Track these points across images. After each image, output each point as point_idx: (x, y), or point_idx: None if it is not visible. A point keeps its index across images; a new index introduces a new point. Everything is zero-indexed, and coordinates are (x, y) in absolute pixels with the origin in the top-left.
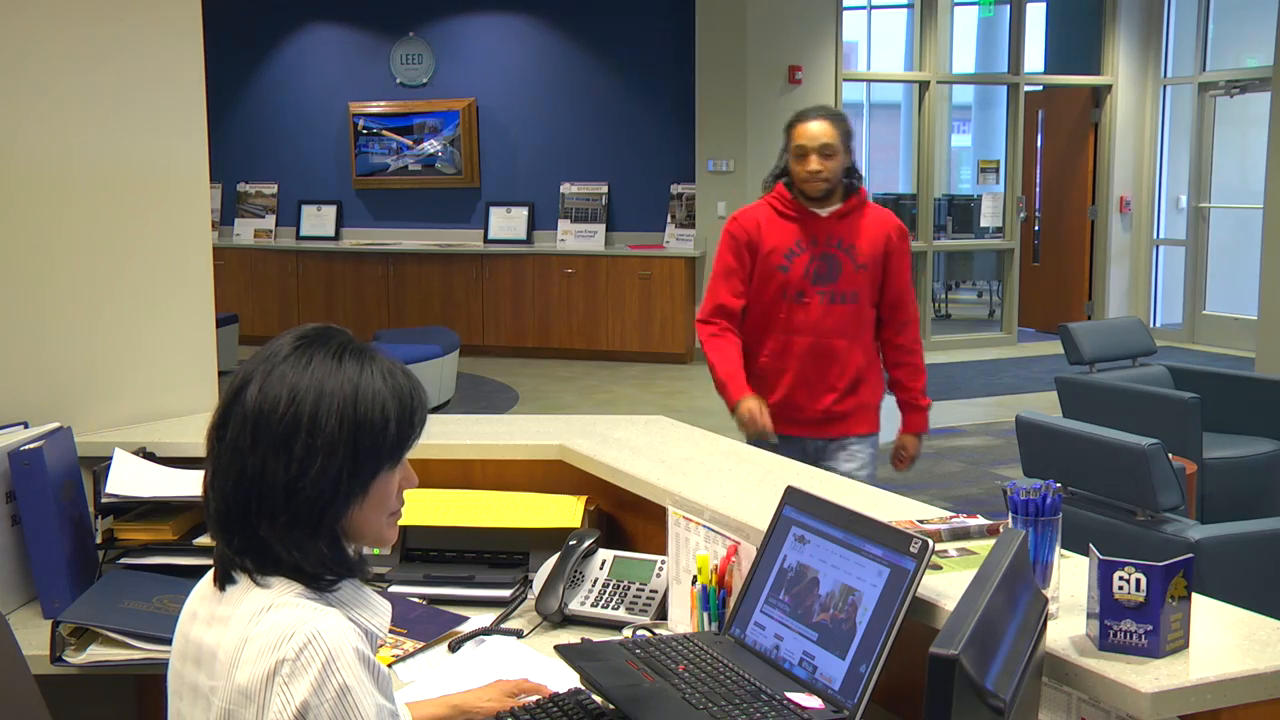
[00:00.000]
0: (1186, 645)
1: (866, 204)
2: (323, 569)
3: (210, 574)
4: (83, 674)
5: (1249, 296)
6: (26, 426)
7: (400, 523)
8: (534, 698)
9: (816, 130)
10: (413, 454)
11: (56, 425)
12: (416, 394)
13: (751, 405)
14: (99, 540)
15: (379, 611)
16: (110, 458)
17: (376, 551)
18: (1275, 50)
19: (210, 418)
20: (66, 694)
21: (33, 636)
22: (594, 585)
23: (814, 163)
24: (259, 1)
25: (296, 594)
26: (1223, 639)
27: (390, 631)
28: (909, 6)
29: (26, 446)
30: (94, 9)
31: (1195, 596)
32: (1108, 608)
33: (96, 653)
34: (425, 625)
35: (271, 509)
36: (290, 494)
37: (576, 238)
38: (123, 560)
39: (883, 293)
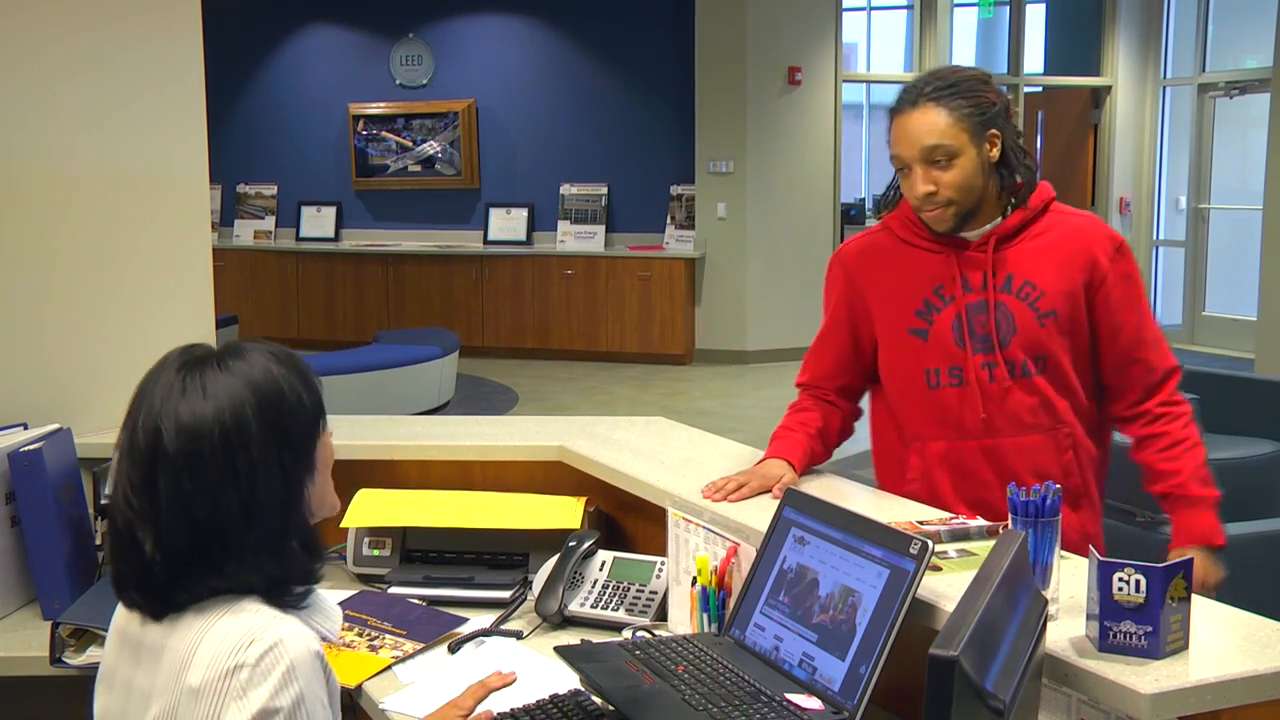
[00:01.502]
0: (1186, 646)
1: (1050, 210)
2: (297, 575)
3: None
4: (82, 675)
5: (1249, 297)
6: (26, 427)
7: (400, 524)
8: (534, 699)
9: (917, 128)
10: (413, 455)
11: (56, 426)
12: (299, 359)
13: (769, 471)
14: (99, 541)
15: (331, 616)
16: (110, 459)
17: (377, 552)
18: (1275, 51)
19: (123, 483)
20: (65, 695)
21: (32, 637)
22: (594, 586)
23: (920, 182)
24: (259, 3)
25: (255, 600)
26: (1222, 640)
27: (389, 633)
28: (909, 8)
29: (26, 447)
30: (94, 11)
31: (1195, 598)
32: (1107, 609)
33: (96, 654)
34: (425, 626)
35: (238, 537)
36: (250, 510)
37: (576, 239)
38: None
39: (1099, 347)
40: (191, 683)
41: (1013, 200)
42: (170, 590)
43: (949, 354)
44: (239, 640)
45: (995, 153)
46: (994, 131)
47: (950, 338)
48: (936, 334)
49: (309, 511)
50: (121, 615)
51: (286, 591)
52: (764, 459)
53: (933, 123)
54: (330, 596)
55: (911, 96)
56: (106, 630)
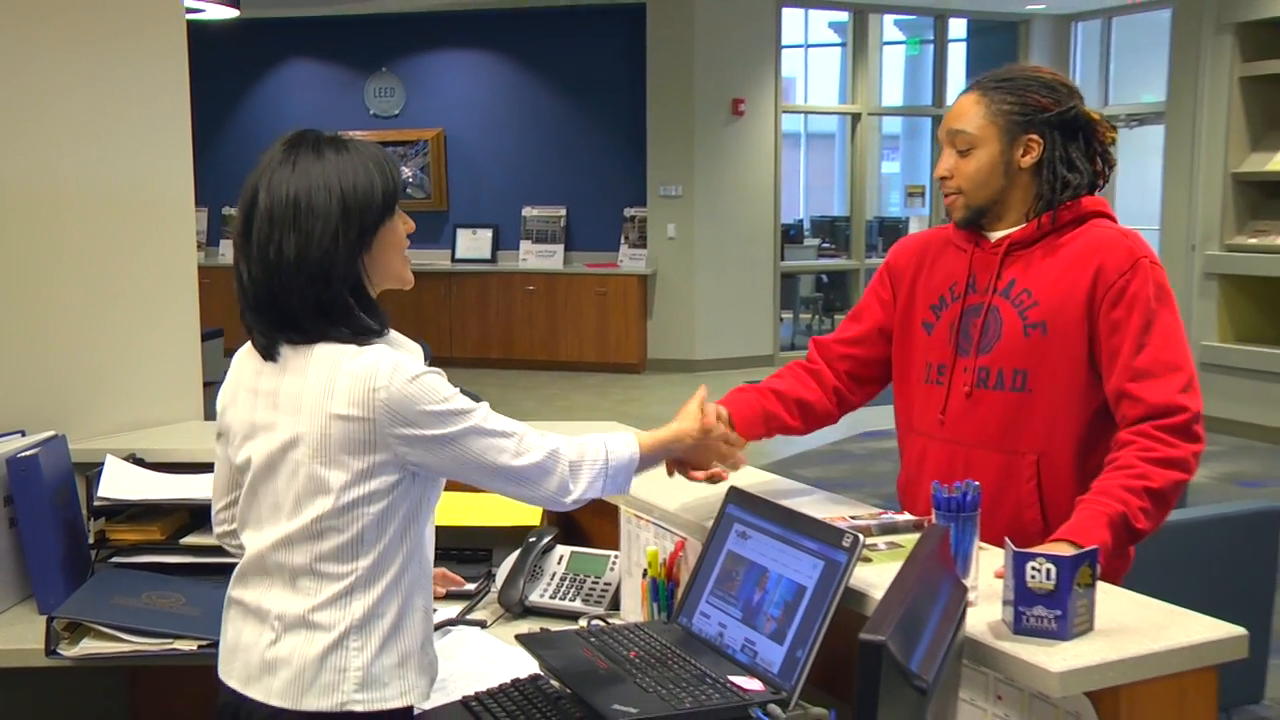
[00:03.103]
0: (1092, 628)
1: (1088, 224)
2: (349, 320)
3: (242, 357)
4: (76, 666)
5: None
6: (24, 435)
7: None
8: (497, 684)
9: (956, 109)
10: None
11: (52, 433)
12: (390, 161)
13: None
14: (91, 541)
15: (417, 354)
16: (102, 463)
17: None
18: (1168, 87)
19: (234, 228)
20: (60, 685)
21: (29, 631)
22: (552, 579)
23: (941, 162)
24: (243, 38)
25: (351, 346)
26: (1123, 622)
27: None
28: (842, 45)
29: (24, 453)
30: (81, 35)
31: (1100, 584)
32: (1021, 595)
33: (89, 646)
34: None
35: (295, 279)
36: (302, 259)
37: (537, 257)
38: (114, 559)
39: (1101, 374)
40: (336, 410)
41: (1041, 208)
42: (257, 312)
43: (942, 351)
44: (366, 371)
45: (1028, 159)
46: (1033, 136)
47: (946, 335)
48: (939, 330)
49: (365, 276)
50: (234, 377)
51: (351, 334)
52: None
53: (966, 109)
54: (410, 343)
55: (974, 81)
56: (99, 624)
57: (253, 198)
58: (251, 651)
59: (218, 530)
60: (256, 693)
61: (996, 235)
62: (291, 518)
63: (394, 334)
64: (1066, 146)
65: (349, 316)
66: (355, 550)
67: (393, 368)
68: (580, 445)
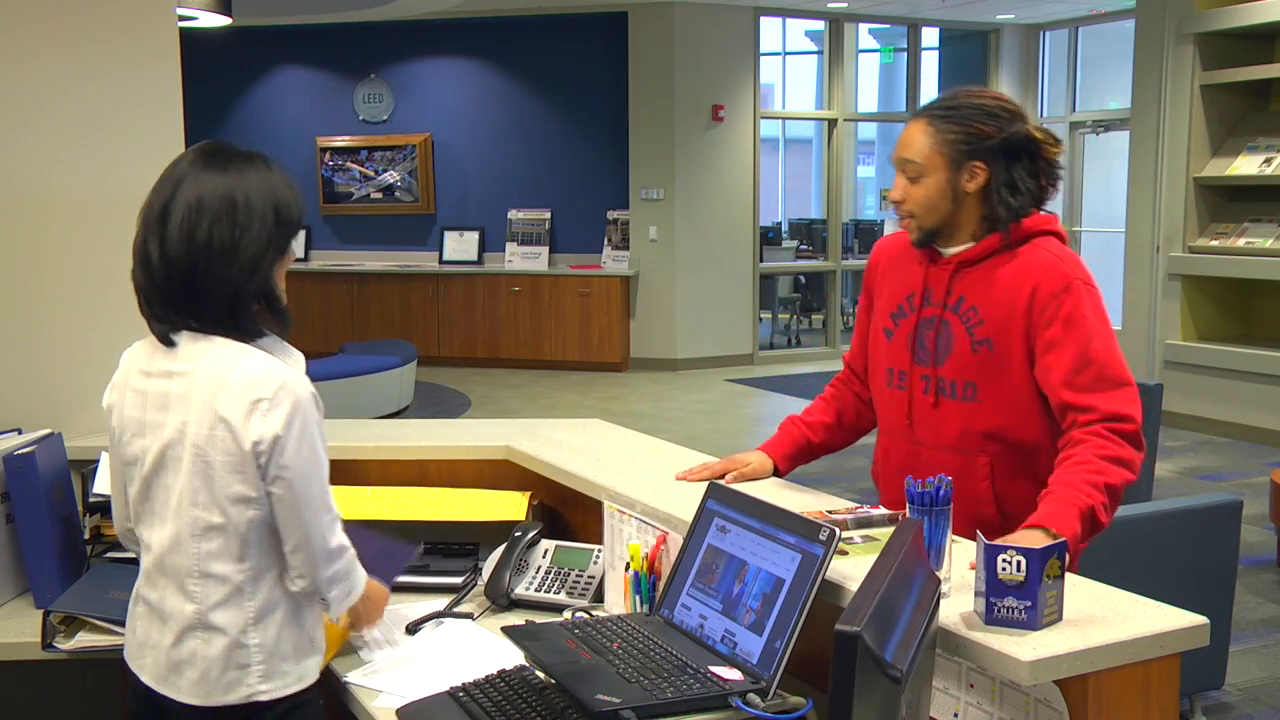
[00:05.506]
0: (1060, 618)
1: (1031, 243)
2: (256, 320)
3: (142, 344)
4: (72, 658)
5: (1113, 309)
6: (20, 433)
7: (362, 518)
8: (483, 674)
9: (903, 138)
10: (375, 455)
11: (48, 431)
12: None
13: (739, 457)
14: (87, 536)
15: (299, 361)
16: (97, 461)
17: None
18: (1131, 94)
19: (141, 219)
20: (56, 677)
21: (25, 624)
22: (537, 572)
23: (894, 188)
24: (235, 45)
25: (247, 346)
26: (1090, 612)
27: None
28: (819, 53)
29: (20, 451)
30: (75, 42)
31: (1068, 575)
32: (992, 586)
33: (84, 639)
34: (380, 561)
35: (222, 263)
36: (233, 248)
37: (523, 259)
38: (108, 554)
39: (1039, 386)
40: (221, 411)
41: (989, 228)
42: (164, 292)
43: (901, 358)
44: (258, 379)
45: (974, 184)
46: (978, 164)
47: (904, 344)
48: (898, 337)
49: (275, 283)
50: (121, 378)
51: (255, 332)
52: (757, 448)
53: (914, 139)
54: (296, 353)
55: (921, 108)
56: (94, 617)
57: (175, 188)
58: (159, 650)
59: (119, 530)
60: (167, 690)
61: (950, 251)
62: (178, 517)
63: (285, 344)
64: (1010, 169)
65: (247, 313)
66: (240, 552)
67: (279, 385)
68: (354, 560)
